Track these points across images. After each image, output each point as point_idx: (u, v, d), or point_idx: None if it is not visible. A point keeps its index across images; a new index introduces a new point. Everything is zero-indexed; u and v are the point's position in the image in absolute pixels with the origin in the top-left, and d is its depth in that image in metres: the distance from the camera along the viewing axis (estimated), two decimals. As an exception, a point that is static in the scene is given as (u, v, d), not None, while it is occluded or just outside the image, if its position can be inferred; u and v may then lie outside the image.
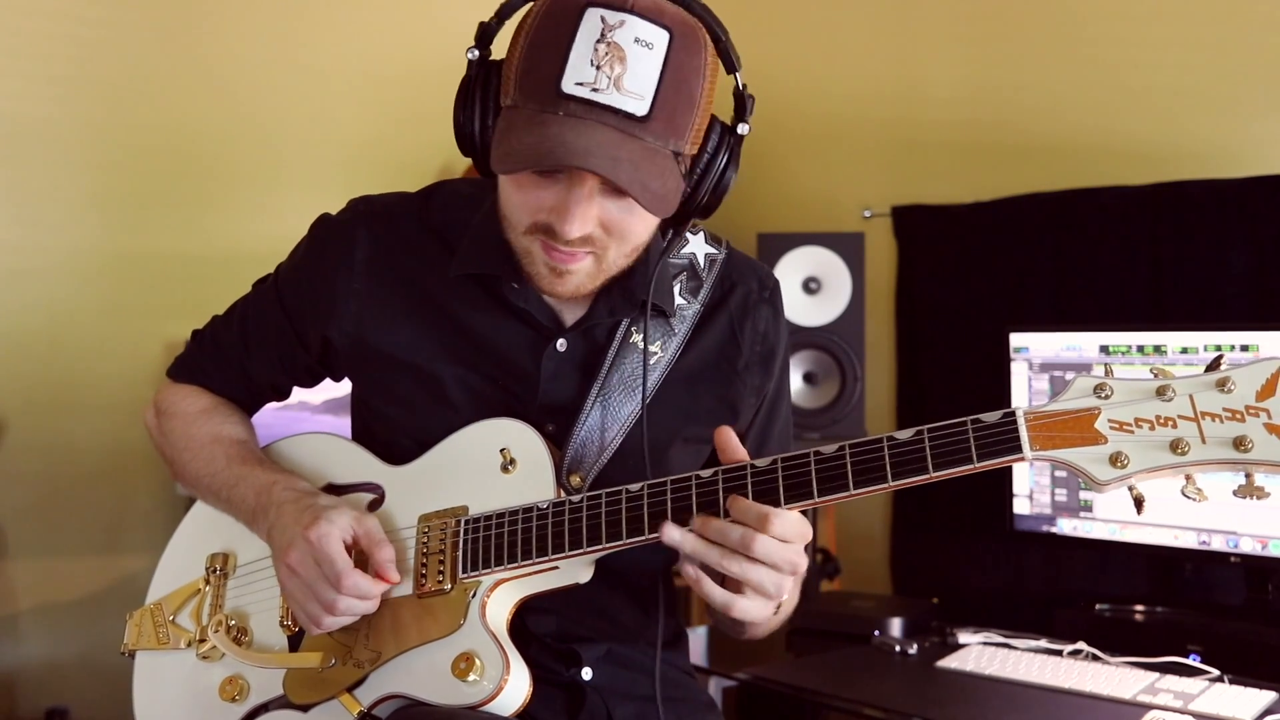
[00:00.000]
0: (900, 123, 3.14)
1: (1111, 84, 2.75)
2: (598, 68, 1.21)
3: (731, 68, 1.33)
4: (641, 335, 1.44)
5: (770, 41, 3.36)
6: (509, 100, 1.27)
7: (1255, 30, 2.56)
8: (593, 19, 1.21)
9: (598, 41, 1.21)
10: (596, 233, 1.30)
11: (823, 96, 3.28)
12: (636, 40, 1.21)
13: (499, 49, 1.34)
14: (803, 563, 1.25)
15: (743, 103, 1.36)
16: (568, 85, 1.21)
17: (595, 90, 1.21)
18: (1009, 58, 2.93)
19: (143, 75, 2.98)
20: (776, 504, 1.24)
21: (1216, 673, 2.03)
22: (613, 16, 1.21)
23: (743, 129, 1.34)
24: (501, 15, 1.34)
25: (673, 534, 1.25)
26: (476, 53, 1.34)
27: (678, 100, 1.25)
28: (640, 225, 1.33)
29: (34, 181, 2.86)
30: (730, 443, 1.29)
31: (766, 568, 1.22)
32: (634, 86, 1.22)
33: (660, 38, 1.22)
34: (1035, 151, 2.87)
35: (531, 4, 1.29)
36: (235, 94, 3.10)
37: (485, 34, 1.34)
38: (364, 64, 3.28)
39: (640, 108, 1.22)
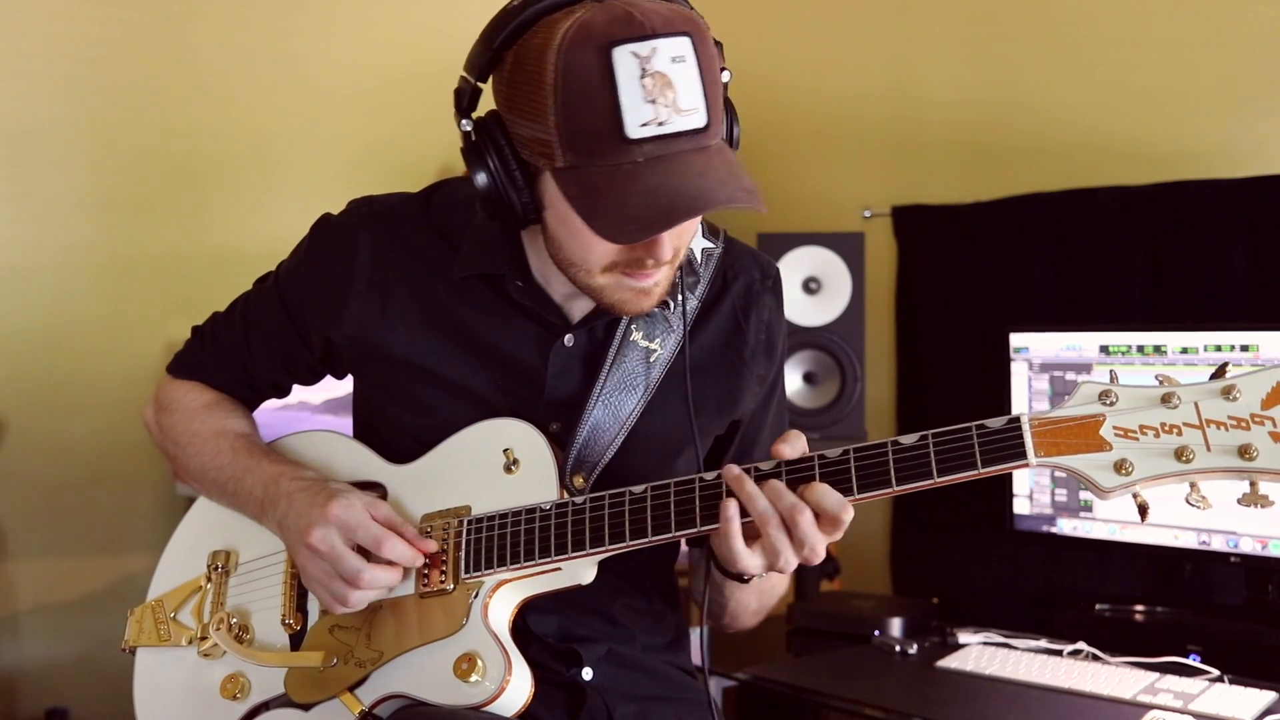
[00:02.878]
0: (900, 123, 3.14)
1: (1111, 84, 2.75)
2: (653, 101, 1.19)
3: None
4: (641, 333, 1.45)
5: (770, 41, 3.36)
6: (561, 162, 1.23)
7: (1255, 30, 2.56)
8: (625, 58, 1.19)
9: (642, 78, 1.19)
10: (678, 240, 1.31)
11: (823, 96, 3.28)
12: (672, 60, 1.20)
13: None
14: (820, 556, 1.26)
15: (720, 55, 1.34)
16: (633, 130, 1.19)
17: (661, 124, 1.20)
18: (1008, 58, 2.93)
19: (143, 76, 2.97)
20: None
21: (1216, 673, 2.03)
22: (643, 48, 1.19)
23: (725, 77, 1.33)
24: (481, 75, 1.30)
25: (733, 469, 1.26)
26: (469, 122, 1.31)
27: (716, 92, 1.26)
28: (695, 224, 1.35)
29: (34, 181, 2.85)
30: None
31: (792, 545, 1.24)
32: (688, 103, 1.21)
33: (686, 47, 1.21)
34: (1035, 151, 2.86)
35: (525, 58, 1.24)
36: (235, 95, 3.10)
37: (471, 100, 1.31)
38: (362, 66, 3.27)
39: (700, 119, 1.22)
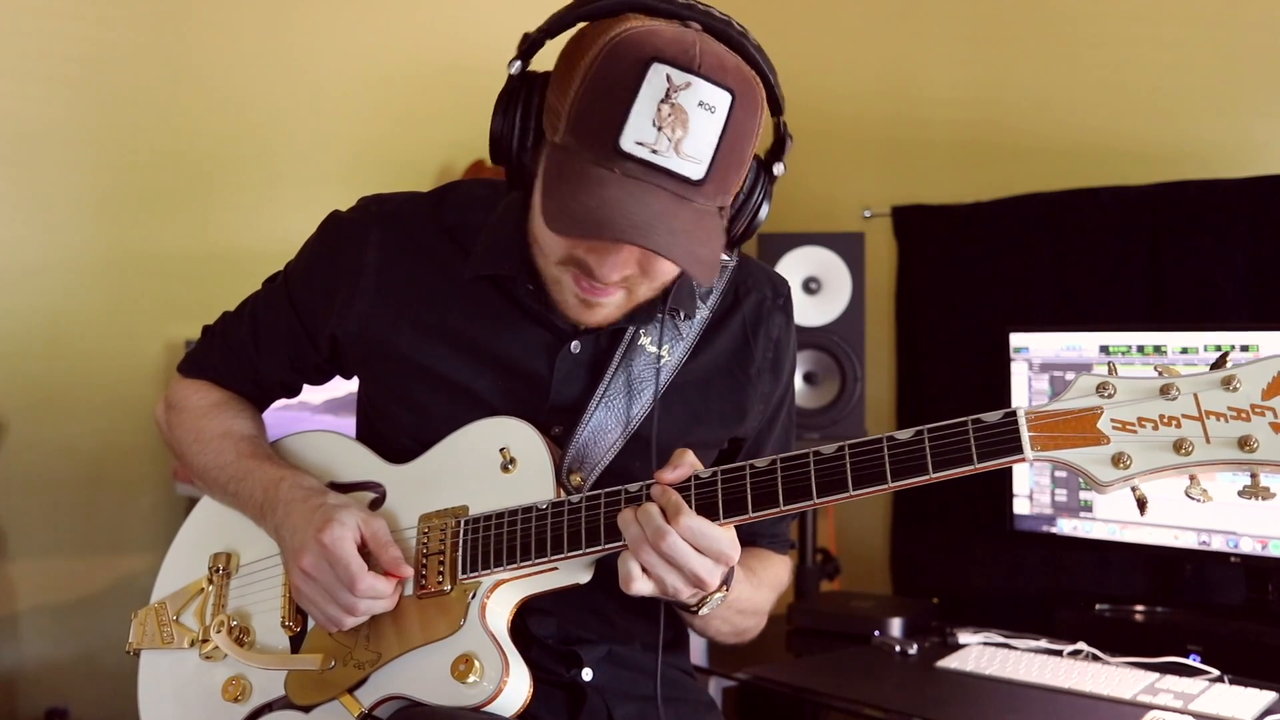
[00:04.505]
0: (900, 123, 3.14)
1: (1111, 84, 2.75)
2: (659, 128, 1.18)
3: (777, 110, 1.32)
4: (649, 339, 1.44)
5: (770, 41, 3.33)
6: (559, 138, 1.24)
7: (1255, 30, 2.56)
8: (658, 76, 1.18)
9: (662, 101, 1.18)
10: (631, 271, 1.29)
11: (822, 96, 3.28)
12: (700, 104, 1.18)
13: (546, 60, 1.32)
14: (712, 582, 1.26)
15: (782, 143, 1.35)
16: (627, 143, 1.18)
17: (655, 152, 1.19)
18: (1008, 58, 2.93)
19: (144, 76, 2.98)
20: (775, 505, 1.24)
21: (1216, 673, 2.03)
22: (679, 77, 1.18)
23: (778, 169, 1.34)
24: (550, 30, 1.30)
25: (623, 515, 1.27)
26: (519, 64, 1.31)
27: (731, 162, 1.23)
28: (672, 267, 1.32)
29: (35, 181, 2.86)
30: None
31: (672, 569, 1.24)
32: (693, 151, 1.20)
33: (723, 101, 1.20)
34: (1035, 151, 2.87)
35: (587, 32, 1.25)
36: (236, 94, 3.10)
37: (530, 47, 1.32)
38: (364, 65, 3.27)
39: (697, 172, 1.21)
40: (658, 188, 1.20)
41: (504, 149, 1.31)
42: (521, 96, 1.30)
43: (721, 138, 1.20)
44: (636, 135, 1.18)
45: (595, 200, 1.19)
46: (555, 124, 1.24)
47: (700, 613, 1.32)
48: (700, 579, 1.25)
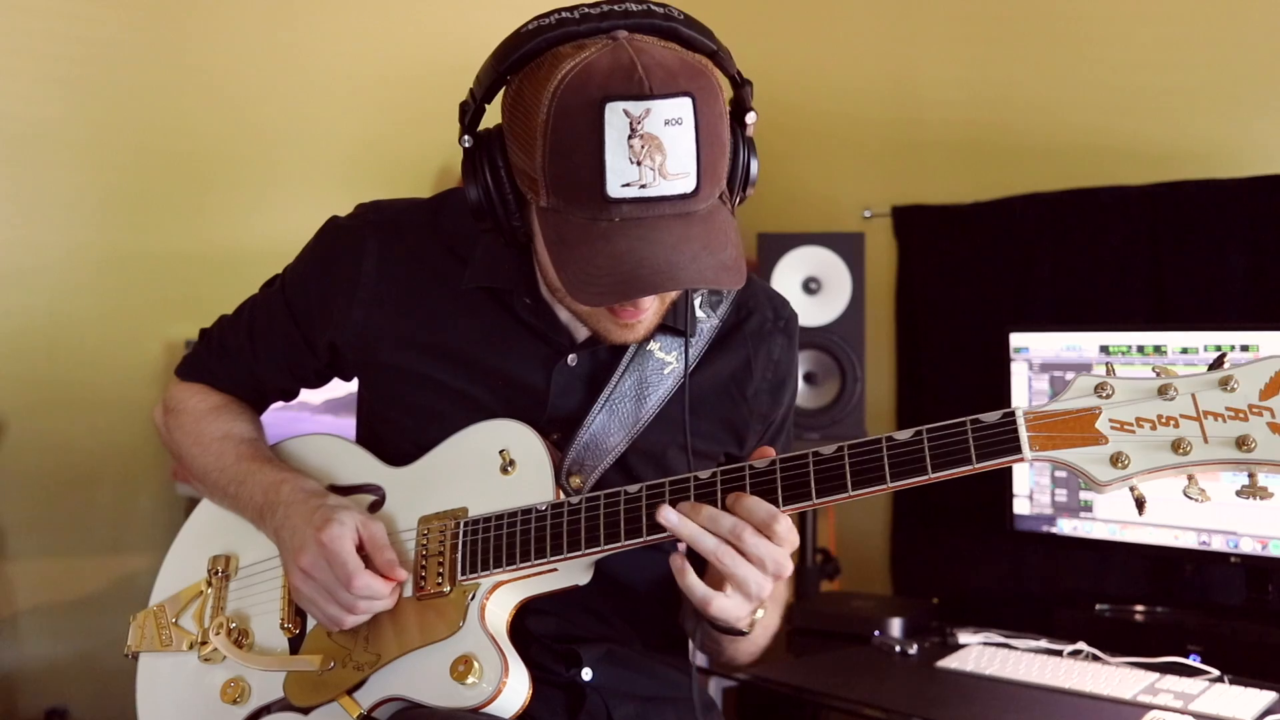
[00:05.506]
0: (900, 123, 3.14)
1: (1111, 84, 2.75)
2: (638, 164, 1.17)
3: (729, 70, 1.29)
4: (659, 344, 1.44)
5: (770, 41, 3.36)
6: (545, 203, 1.23)
7: (1255, 30, 2.56)
8: (616, 116, 1.15)
9: (630, 138, 1.16)
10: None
11: (823, 96, 3.28)
12: (666, 123, 1.17)
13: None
14: (787, 567, 1.25)
15: (743, 95, 1.32)
16: (613, 189, 1.17)
17: (644, 186, 1.17)
18: (1008, 58, 2.93)
19: (143, 76, 2.98)
20: (775, 505, 1.24)
21: (1216, 673, 2.03)
22: (636, 107, 1.16)
23: (751, 118, 1.31)
24: (485, 97, 1.28)
25: (670, 516, 1.25)
26: (468, 138, 1.29)
27: (714, 155, 1.22)
28: None
29: (34, 181, 2.86)
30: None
31: (753, 565, 1.23)
32: (677, 168, 1.18)
33: (685, 108, 1.17)
34: (1035, 151, 2.86)
35: (525, 89, 1.22)
36: (234, 95, 3.10)
37: (473, 118, 1.30)
38: (363, 65, 3.27)
39: (689, 185, 1.19)
40: (660, 217, 1.19)
41: (490, 218, 1.31)
42: (485, 166, 1.29)
43: (698, 141, 1.19)
44: (620, 179, 1.17)
45: (608, 259, 1.19)
46: (534, 189, 1.23)
47: (757, 616, 1.32)
48: (780, 566, 1.24)
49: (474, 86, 1.29)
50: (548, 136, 1.18)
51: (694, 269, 1.19)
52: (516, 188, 1.28)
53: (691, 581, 1.25)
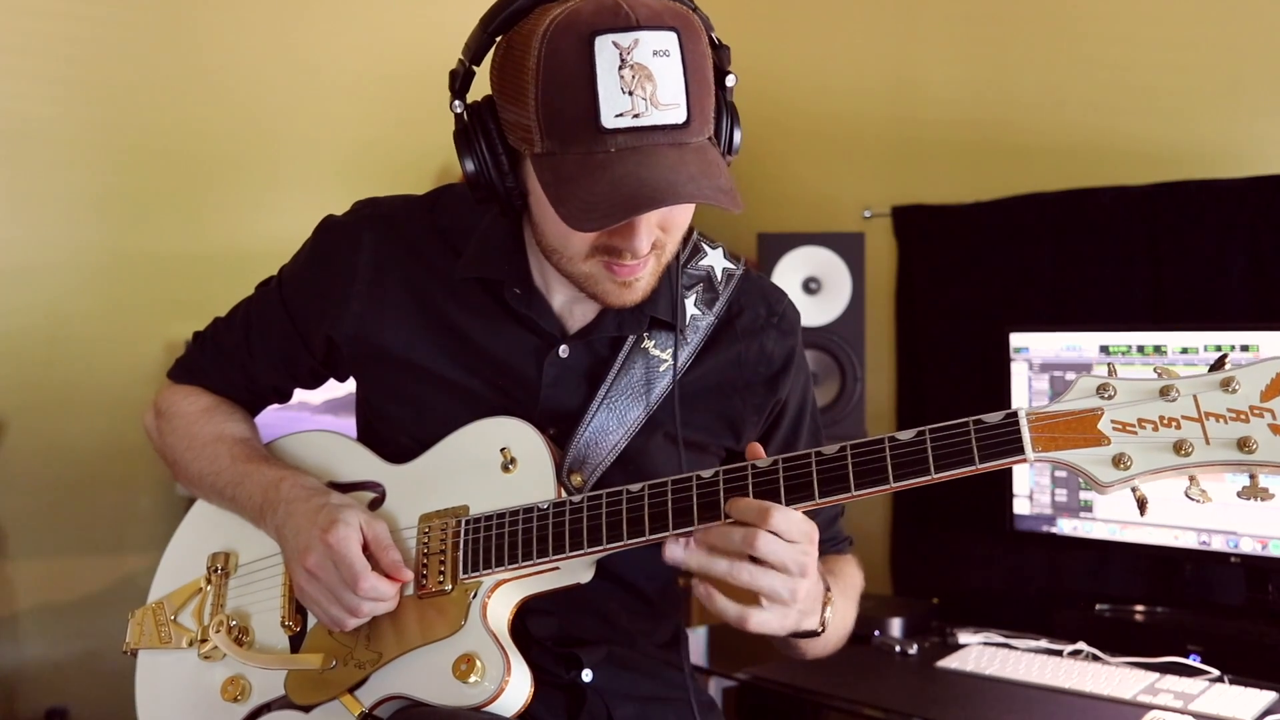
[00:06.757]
0: (900, 123, 3.14)
1: (1111, 84, 2.75)
2: (630, 93, 1.19)
3: (714, 44, 1.31)
4: (654, 342, 1.45)
5: (770, 41, 3.36)
6: (539, 148, 1.24)
7: (1255, 30, 2.56)
8: (605, 47, 1.19)
9: (620, 68, 1.19)
10: (656, 235, 1.30)
11: (823, 96, 3.28)
12: (654, 53, 1.20)
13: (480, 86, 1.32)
14: (812, 563, 1.24)
15: (721, 57, 1.33)
16: (608, 120, 1.19)
17: (637, 116, 1.20)
18: (1009, 58, 2.93)
19: (143, 75, 2.98)
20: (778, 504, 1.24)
21: (1216, 673, 2.03)
22: (624, 38, 1.19)
23: (730, 80, 1.33)
24: (474, 58, 1.31)
25: (675, 552, 1.25)
26: (459, 102, 1.32)
27: (702, 90, 1.25)
28: (687, 213, 1.34)
29: (34, 181, 2.86)
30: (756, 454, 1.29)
31: (775, 571, 1.21)
32: (668, 98, 1.21)
33: (672, 41, 1.21)
34: (1035, 151, 2.86)
35: (514, 42, 1.25)
36: (235, 94, 3.10)
37: (464, 81, 1.33)
38: (363, 64, 3.28)
39: (679, 115, 1.22)
40: (655, 145, 1.21)
41: (486, 184, 1.32)
42: (478, 129, 1.31)
43: (686, 73, 1.21)
44: (613, 109, 1.19)
45: (607, 185, 1.20)
46: (528, 138, 1.25)
47: (825, 615, 1.32)
48: (802, 564, 1.23)
49: (463, 54, 1.32)
50: (540, 78, 1.21)
51: (693, 187, 1.21)
52: (510, 148, 1.30)
53: (722, 604, 1.23)
